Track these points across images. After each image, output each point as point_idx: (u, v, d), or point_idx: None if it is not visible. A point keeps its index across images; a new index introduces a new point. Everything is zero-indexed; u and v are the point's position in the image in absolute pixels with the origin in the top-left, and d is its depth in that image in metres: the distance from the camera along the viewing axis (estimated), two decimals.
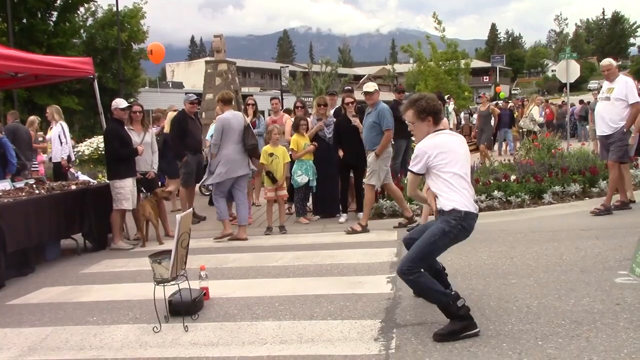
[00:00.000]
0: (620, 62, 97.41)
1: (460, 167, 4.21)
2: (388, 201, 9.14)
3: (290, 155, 8.99)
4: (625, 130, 7.96)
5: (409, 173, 4.39)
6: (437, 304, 4.12)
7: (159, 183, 10.03)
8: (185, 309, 4.76)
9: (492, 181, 9.41)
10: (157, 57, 20.19)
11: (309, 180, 8.98)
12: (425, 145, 4.23)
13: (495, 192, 9.06)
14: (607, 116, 8.11)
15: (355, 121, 8.74)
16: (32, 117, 12.40)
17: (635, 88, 8.13)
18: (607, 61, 8.51)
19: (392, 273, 5.80)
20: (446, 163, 4.16)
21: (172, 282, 4.65)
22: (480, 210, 8.75)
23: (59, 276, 6.86)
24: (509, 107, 21.16)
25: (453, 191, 4.14)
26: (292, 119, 9.99)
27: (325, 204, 9.37)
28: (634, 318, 4.14)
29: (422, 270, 4.11)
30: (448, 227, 4.08)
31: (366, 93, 8.23)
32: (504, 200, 9.05)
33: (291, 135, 9.50)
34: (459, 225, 4.09)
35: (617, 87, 8.07)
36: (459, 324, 4.02)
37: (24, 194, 7.39)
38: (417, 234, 4.36)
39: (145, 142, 8.53)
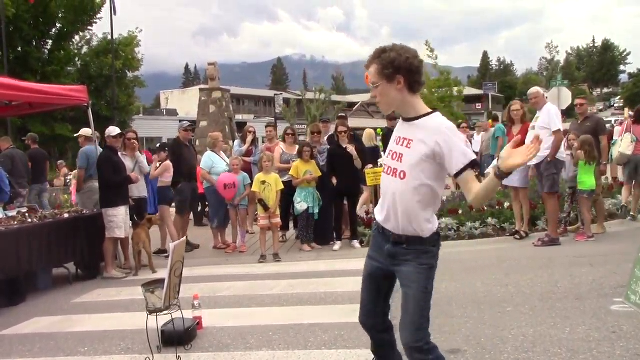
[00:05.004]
0: (611, 90, 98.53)
1: None
2: None
3: (291, 181, 9.02)
4: (549, 160, 7.89)
5: (467, 173, 2.84)
6: None
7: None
8: (178, 339, 4.71)
9: (486, 208, 9.41)
10: None
11: (309, 207, 8.94)
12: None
13: (490, 219, 9.06)
14: None
15: (350, 148, 8.78)
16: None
17: (558, 116, 8.08)
18: (534, 89, 8.46)
19: None
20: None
21: (165, 312, 4.60)
22: (475, 237, 8.83)
23: (50, 305, 6.79)
24: None
25: (436, 206, 3.06)
26: (281, 147, 9.98)
27: (319, 232, 9.33)
28: (630, 346, 4.12)
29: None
30: (433, 260, 3.02)
31: None
32: (498, 227, 9.05)
33: (281, 162, 9.53)
34: (438, 252, 3.06)
35: (542, 115, 8.02)
36: None
37: (16, 222, 7.34)
38: (372, 303, 3.27)
39: (137, 168, 8.60)
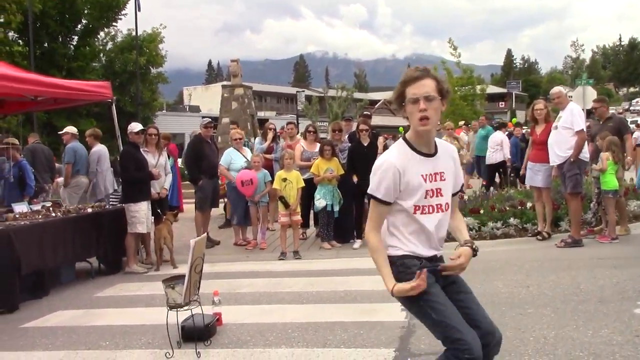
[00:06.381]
0: (637, 89, 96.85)
1: None
2: None
3: (312, 179, 9.04)
4: (572, 160, 7.79)
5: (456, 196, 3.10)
6: None
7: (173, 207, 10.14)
8: (198, 334, 4.74)
9: (508, 208, 9.33)
10: None
11: (327, 205, 8.93)
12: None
13: (512, 219, 8.97)
14: (556, 145, 7.96)
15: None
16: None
17: (581, 116, 7.98)
18: (557, 89, 8.41)
19: None
20: None
21: (185, 308, 4.64)
22: (496, 237, 8.75)
23: (73, 299, 6.87)
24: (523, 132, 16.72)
25: None
26: (302, 145, 9.97)
27: (340, 230, 9.32)
28: None
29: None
30: None
31: None
32: (520, 227, 8.96)
33: (301, 160, 9.53)
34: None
35: (564, 115, 7.93)
36: None
37: (40, 216, 7.44)
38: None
39: (159, 165, 8.65)
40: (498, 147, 13.96)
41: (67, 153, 9.94)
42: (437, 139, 2.99)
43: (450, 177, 2.96)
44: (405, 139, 2.96)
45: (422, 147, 2.92)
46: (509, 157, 13.64)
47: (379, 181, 2.86)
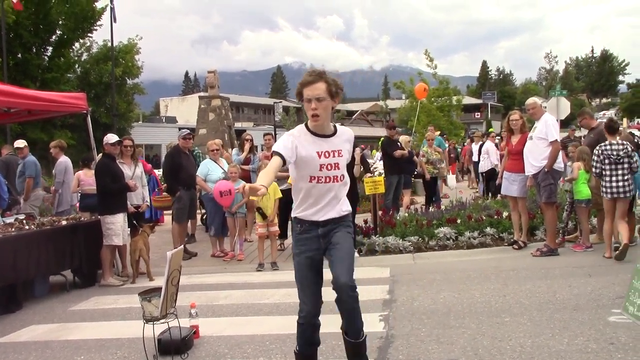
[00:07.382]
0: (609, 100, 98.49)
1: None
2: (380, 237, 9.11)
3: (289, 190, 9.02)
4: (546, 170, 7.90)
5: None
6: (361, 324, 3.99)
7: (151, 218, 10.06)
8: (174, 348, 4.69)
9: (484, 217, 9.40)
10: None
11: None
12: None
13: (488, 229, 9.05)
14: (530, 155, 8.07)
15: (357, 152, 8.93)
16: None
17: (555, 126, 8.10)
18: (532, 100, 8.55)
19: (384, 311, 5.75)
20: None
21: (162, 320, 4.59)
22: (473, 246, 8.81)
23: (47, 313, 6.76)
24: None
25: None
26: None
27: None
28: (628, 358, 4.11)
29: None
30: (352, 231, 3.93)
31: None
32: (497, 237, 9.04)
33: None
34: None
35: (539, 125, 8.05)
36: None
37: (13, 229, 7.32)
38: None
39: (135, 176, 8.58)
40: (486, 156, 14.19)
41: (27, 167, 9.93)
42: (339, 126, 3.80)
43: (346, 154, 3.73)
44: (305, 124, 3.69)
45: (318, 131, 3.65)
46: (497, 163, 13.77)
47: (281, 141, 3.56)
